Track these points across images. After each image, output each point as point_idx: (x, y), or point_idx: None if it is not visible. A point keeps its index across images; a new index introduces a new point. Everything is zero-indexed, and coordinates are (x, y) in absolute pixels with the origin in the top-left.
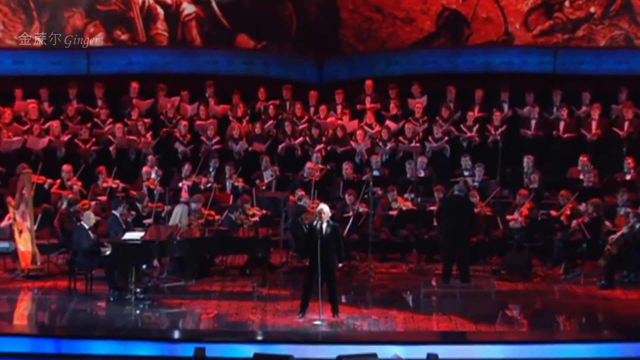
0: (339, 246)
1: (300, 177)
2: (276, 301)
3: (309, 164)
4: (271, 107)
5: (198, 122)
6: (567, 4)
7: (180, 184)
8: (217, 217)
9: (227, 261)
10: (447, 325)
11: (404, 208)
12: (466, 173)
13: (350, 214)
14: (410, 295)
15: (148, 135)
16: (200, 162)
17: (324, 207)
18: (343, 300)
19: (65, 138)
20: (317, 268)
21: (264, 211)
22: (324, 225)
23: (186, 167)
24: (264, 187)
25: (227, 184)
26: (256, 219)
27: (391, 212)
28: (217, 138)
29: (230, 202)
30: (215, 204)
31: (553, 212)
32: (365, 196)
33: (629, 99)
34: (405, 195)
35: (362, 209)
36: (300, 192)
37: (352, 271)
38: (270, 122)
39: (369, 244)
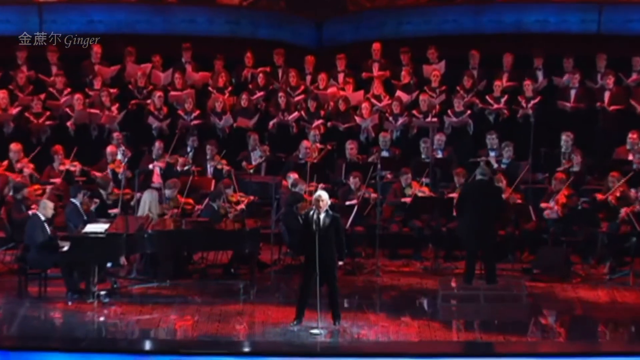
0: (341, 240)
1: (295, 159)
2: (266, 306)
3: (305, 143)
4: (260, 75)
5: (173, 93)
6: None
7: (151, 166)
8: (196, 206)
9: (208, 258)
10: (469, 335)
11: (418, 195)
12: (492, 153)
13: (355, 202)
14: (426, 299)
15: (114, 109)
16: (175, 140)
17: (323, 195)
18: (345, 304)
19: (14, 111)
20: (314, 267)
21: (252, 199)
22: (323, 216)
23: (159, 146)
24: (251, 171)
25: (208, 166)
26: (242, 206)
27: (403, 200)
28: (196, 112)
29: (212, 188)
30: (194, 191)
31: (599, 196)
32: (373, 181)
33: None
34: (420, 180)
35: (368, 196)
36: (294, 177)
37: (357, 270)
38: (259, 93)
39: (377, 238)
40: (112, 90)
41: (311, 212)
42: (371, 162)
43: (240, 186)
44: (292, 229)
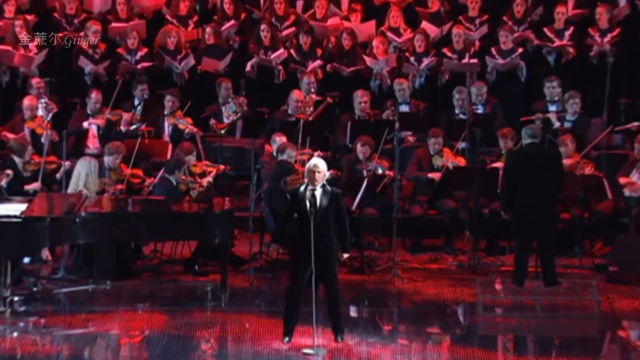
0: (344, 227)
1: (282, 115)
2: (243, 316)
3: (296, 94)
4: None
5: (114, 25)
6: None
7: (86, 125)
8: (146, 179)
9: (164, 252)
10: (520, 358)
11: (450, 166)
12: (552, 108)
13: (364, 175)
14: (461, 307)
15: (32, 46)
16: (117, 90)
17: (320, 164)
18: (351, 314)
19: None
20: (308, 263)
21: (223, 170)
22: (319, 193)
23: (95, 98)
24: (222, 131)
25: (165, 125)
26: (209, 179)
27: (430, 174)
28: (145, 50)
29: (168, 155)
30: (144, 159)
31: None
32: (388, 147)
33: None
34: (453, 146)
35: (382, 168)
36: (281, 140)
37: (367, 267)
38: (231, 23)
39: (394, 224)
40: (29, 18)
41: (303, 189)
42: (386, 120)
43: (207, 153)
44: (278, 211)
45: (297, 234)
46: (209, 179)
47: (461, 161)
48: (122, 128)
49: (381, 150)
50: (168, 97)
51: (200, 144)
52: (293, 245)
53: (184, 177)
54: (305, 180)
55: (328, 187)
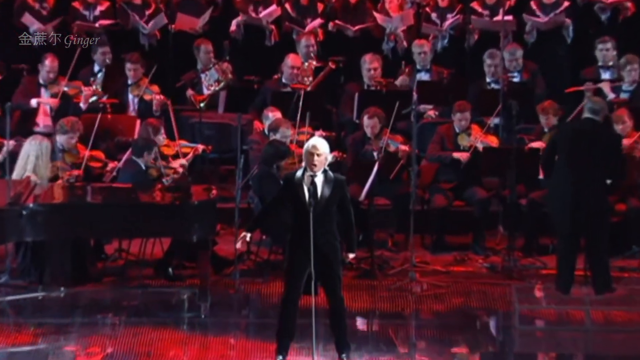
0: (349, 221)
1: (275, 85)
2: (228, 331)
3: (291, 60)
4: None
5: None
6: None
7: (34, 104)
8: (109, 163)
9: (131, 251)
10: None
11: (479, 146)
12: (605, 75)
13: (375, 157)
14: (493, 318)
15: None
16: (77, 56)
17: (320, 145)
18: (359, 326)
19: None
20: (306, 265)
21: (202, 150)
22: (320, 180)
23: (49, 66)
24: (201, 105)
25: (129, 97)
26: (185, 162)
27: (456, 155)
28: (106, 5)
29: (135, 134)
30: (106, 138)
31: None
32: (403, 123)
33: None
34: (484, 122)
35: (394, 143)
36: (274, 115)
37: (378, 270)
38: None
39: (411, 217)
40: None
41: (300, 175)
42: (401, 90)
43: (183, 131)
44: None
45: (293, 229)
46: (185, 162)
47: (493, 141)
48: (82, 104)
49: (394, 128)
50: (128, 65)
51: (175, 121)
52: (288, 244)
53: (154, 161)
54: (303, 164)
55: (330, 174)
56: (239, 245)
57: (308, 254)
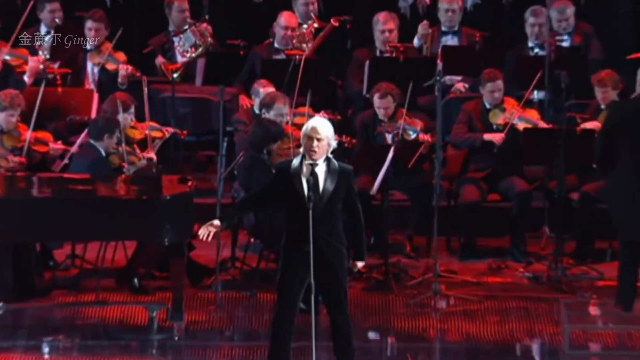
0: (358, 221)
1: (265, 52)
2: (207, 355)
3: (285, 19)
4: None
5: None
6: None
7: None
8: (59, 147)
9: (87, 257)
10: None
11: (517, 124)
12: None
13: (388, 141)
14: (536, 342)
15: None
16: (24, 17)
17: (322, 127)
18: (370, 350)
19: None
20: (304, 275)
21: (175, 132)
22: (322, 171)
23: None
24: (175, 75)
25: (88, 67)
26: (154, 147)
27: (487, 136)
28: None
29: (93, 112)
30: (55, 116)
31: None
32: (424, 99)
33: None
34: (522, 96)
35: (414, 130)
36: (264, 89)
37: (393, 281)
38: None
39: (434, 215)
40: None
41: (297, 163)
42: (421, 57)
43: (153, 108)
44: None
45: (288, 231)
46: (155, 147)
47: (534, 115)
48: (26, 78)
49: (414, 105)
50: (89, 24)
51: (146, 96)
52: (281, 248)
53: (117, 145)
54: (301, 150)
55: (335, 162)
56: (202, 231)
57: (307, 261)
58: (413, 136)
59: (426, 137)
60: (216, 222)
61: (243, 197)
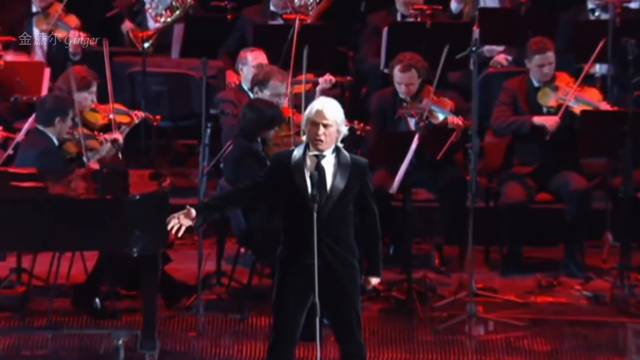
0: (373, 227)
1: (257, 15)
2: None
3: None
4: None
5: None
6: None
7: None
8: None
9: (36, 272)
10: None
11: (573, 106)
12: None
13: (411, 127)
14: None
15: None
16: None
17: (329, 109)
18: None
19: None
20: (305, 294)
21: (146, 116)
22: (330, 165)
23: None
24: (146, 44)
25: (35, 36)
26: (120, 134)
27: (537, 120)
28: None
29: (43, 90)
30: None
31: None
32: (456, 75)
33: None
34: (580, 70)
35: (442, 111)
36: (256, 60)
37: (418, 301)
38: None
39: (469, 219)
40: None
41: (299, 155)
42: (453, 22)
43: (118, 86)
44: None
45: (286, 239)
46: (120, 134)
47: (595, 96)
48: None
49: (443, 82)
50: None
51: (109, 71)
52: (278, 261)
53: (71, 131)
54: (303, 139)
55: (345, 154)
56: (172, 222)
57: (310, 276)
58: (440, 118)
59: (459, 122)
60: (192, 212)
61: (228, 190)
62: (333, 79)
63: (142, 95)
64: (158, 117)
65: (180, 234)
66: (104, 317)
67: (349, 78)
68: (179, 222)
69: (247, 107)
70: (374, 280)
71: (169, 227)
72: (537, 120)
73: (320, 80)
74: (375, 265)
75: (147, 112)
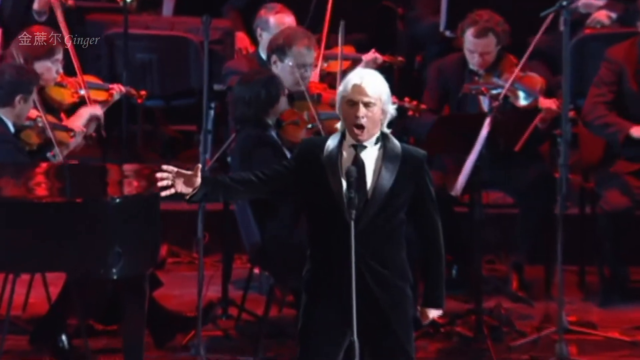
0: (432, 241)
1: None
2: None
3: None
4: None
5: None
6: None
7: None
8: None
9: None
10: None
11: None
12: None
13: (482, 108)
14: None
15: None
16: None
17: (370, 82)
18: None
19: None
20: (339, 328)
21: (127, 92)
22: (372, 156)
23: None
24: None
25: None
26: (93, 118)
27: (636, 131)
28: None
29: None
30: None
31: None
32: (542, 40)
33: None
34: None
35: (530, 99)
36: (277, 20)
37: (489, 340)
38: None
39: (557, 230)
40: None
41: (334, 145)
42: None
43: (93, 54)
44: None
45: (313, 255)
46: (93, 118)
47: None
48: None
49: (522, 48)
50: None
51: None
52: (304, 284)
53: (32, 115)
54: (338, 126)
55: (395, 143)
56: (164, 177)
57: (345, 306)
58: (525, 102)
59: (549, 104)
60: (197, 180)
61: (243, 173)
62: (380, 58)
63: (123, 65)
64: (143, 92)
65: (164, 194)
66: (71, 359)
67: (400, 59)
68: (172, 180)
69: (237, 89)
70: (433, 313)
71: (157, 175)
72: (636, 132)
73: (364, 57)
74: (435, 292)
75: (130, 87)
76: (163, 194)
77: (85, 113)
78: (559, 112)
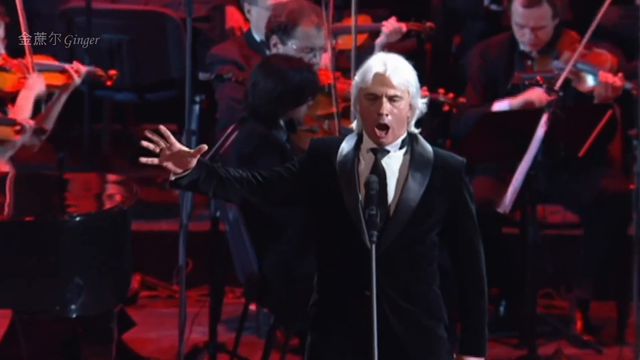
0: (472, 274)
1: None
2: None
3: None
4: None
5: None
6: None
7: None
8: None
9: None
10: None
11: None
12: None
13: (539, 103)
14: None
15: None
16: None
17: (395, 70)
18: None
19: None
20: None
21: (89, 71)
22: (397, 162)
23: None
24: None
25: None
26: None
27: None
28: None
29: None
30: None
31: None
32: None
33: None
34: None
35: (594, 73)
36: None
37: None
38: None
39: (634, 258)
40: None
41: (348, 148)
42: None
43: (43, 28)
44: (268, 213)
45: (322, 283)
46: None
47: None
48: None
49: (585, 24)
50: None
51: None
52: (311, 320)
53: None
54: (354, 126)
55: (426, 147)
56: (153, 147)
57: (361, 349)
58: (593, 83)
59: (617, 81)
60: (193, 161)
61: (242, 171)
62: (403, 27)
63: (85, 49)
64: (113, 72)
65: (143, 160)
66: None
67: (429, 24)
68: (164, 149)
69: (259, 70)
70: None
71: (143, 139)
72: None
73: (384, 27)
74: (475, 336)
75: (95, 67)
76: (142, 160)
77: (29, 96)
78: (620, 89)
